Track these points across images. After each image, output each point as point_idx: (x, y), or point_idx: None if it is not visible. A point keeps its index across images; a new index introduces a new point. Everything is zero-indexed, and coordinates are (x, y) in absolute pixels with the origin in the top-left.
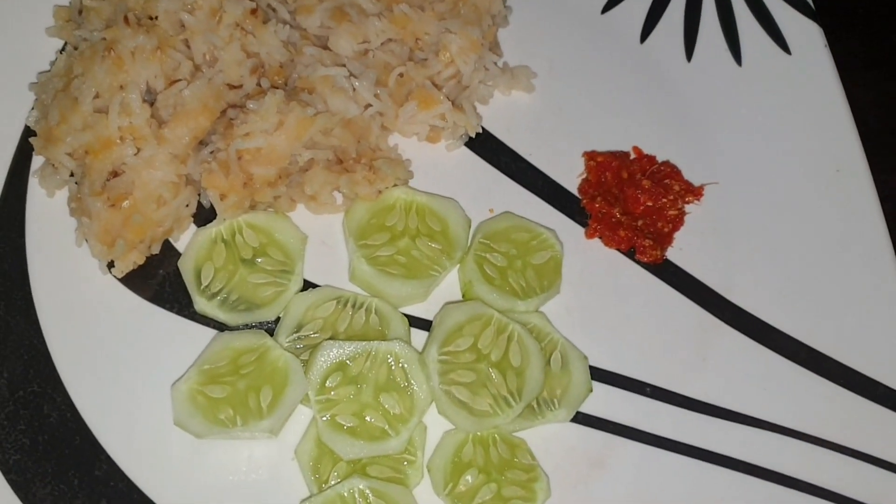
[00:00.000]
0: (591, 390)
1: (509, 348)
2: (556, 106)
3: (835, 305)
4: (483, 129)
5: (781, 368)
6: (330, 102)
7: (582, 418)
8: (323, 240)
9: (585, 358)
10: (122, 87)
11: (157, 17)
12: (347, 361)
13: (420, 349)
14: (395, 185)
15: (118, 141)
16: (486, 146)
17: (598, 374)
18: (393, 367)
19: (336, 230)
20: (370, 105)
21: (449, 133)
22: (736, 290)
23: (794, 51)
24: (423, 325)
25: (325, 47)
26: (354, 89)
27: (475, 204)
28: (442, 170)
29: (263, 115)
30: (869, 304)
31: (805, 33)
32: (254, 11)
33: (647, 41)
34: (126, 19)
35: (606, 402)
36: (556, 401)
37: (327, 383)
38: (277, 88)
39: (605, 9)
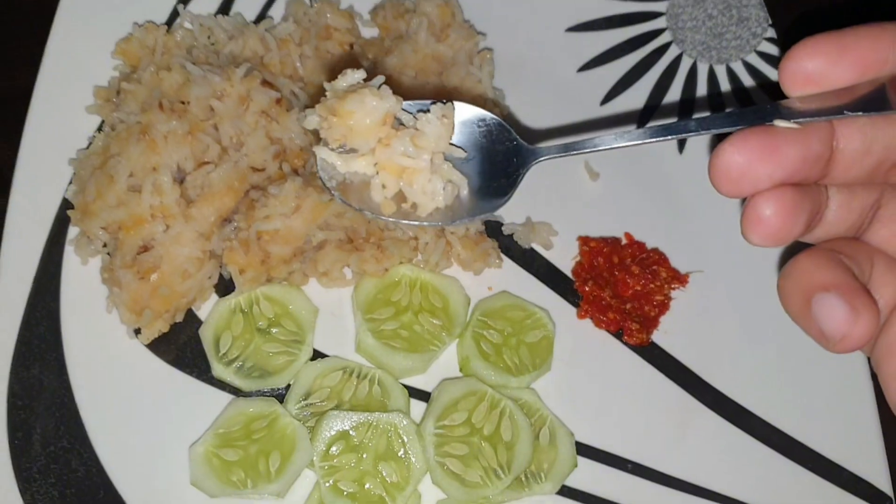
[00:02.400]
0: (577, 465)
1: (501, 423)
2: (554, 191)
3: (808, 393)
4: None
5: (755, 450)
6: None
7: (567, 491)
8: (332, 311)
9: (572, 434)
10: (154, 168)
11: (188, 103)
12: (350, 431)
13: (418, 419)
14: (402, 263)
15: (149, 218)
16: (488, 226)
17: (584, 450)
18: (392, 438)
19: (345, 302)
20: None
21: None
22: (716, 374)
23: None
24: (422, 395)
25: None
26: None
27: (475, 282)
28: None
29: (283, 200)
30: (839, 395)
31: None
32: (279, 100)
33: None
34: (161, 105)
35: (591, 476)
36: (542, 474)
37: (331, 451)
38: (297, 172)
39: (605, 100)
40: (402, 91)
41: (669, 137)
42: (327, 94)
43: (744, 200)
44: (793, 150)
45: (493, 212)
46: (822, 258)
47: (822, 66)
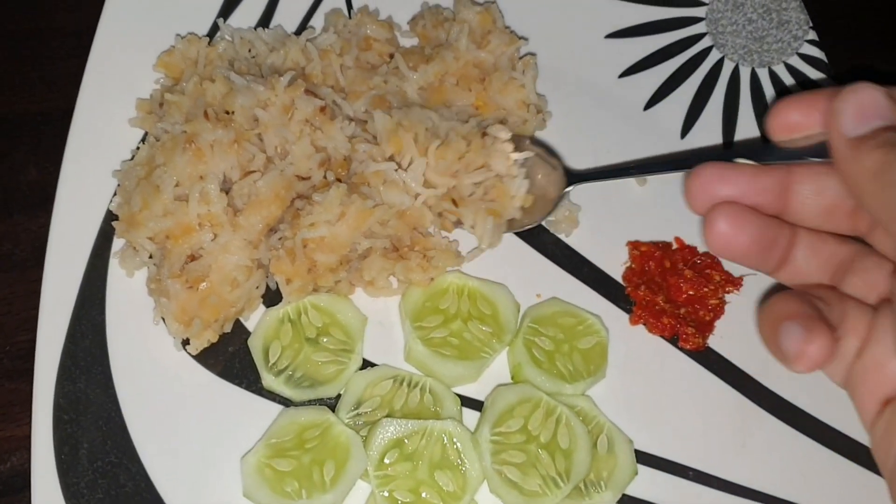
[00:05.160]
0: (637, 473)
1: (558, 430)
2: (601, 196)
3: None
4: None
5: (819, 454)
6: (384, 195)
7: (627, 500)
8: (380, 321)
9: (631, 442)
10: (201, 177)
11: (233, 113)
12: (404, 439)
13: (471, 428)
14: (448, 271)
15: (197, 227)
16: (534, 233)
17: (643, 458)
18: (447, 446)
19: (392, 312)
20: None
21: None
22: (775, 378)
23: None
24: (474, 404)
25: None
26: (405, 182)
27: (523, 289)
28: (492, 256)
29: (327, 207)
30: None
31: None
32: (323, 109)
33: (687, 137)
34: (206, 114)
35: (651, 484)
36: (602, 483)
37: (385, 459)
38: (341, 180)
39: (647, 106)
40: (445, 98)
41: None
42: None
43: None
44: (744, 178)
45: (533, 225)
46: (792, 296)
47: (797, 119)
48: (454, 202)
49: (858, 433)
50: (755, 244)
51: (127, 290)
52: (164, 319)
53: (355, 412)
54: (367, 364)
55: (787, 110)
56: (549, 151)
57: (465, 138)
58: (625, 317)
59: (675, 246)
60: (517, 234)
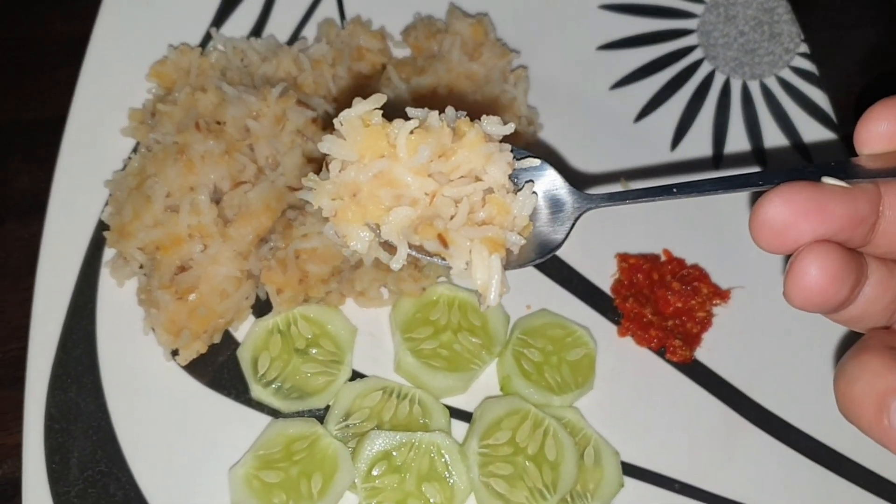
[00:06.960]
0: (623, 485)
1: (545, 442)
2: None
3: None
4: None
5: (803, 467)
6: None
7: None
8: (371, 332)
9: (617, 454)
10: (192, 188)
11: (225, 123)
12: (392, 451)
13: (459, 439)
14: (438, 282)
15: (187, 238)
16: None
17: (630, 470)
18: (435, 458)
19: (382, 322)
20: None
21: None
22: (761, 391)
23: (816, 162)
24: (463, 415)
25: None
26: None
27: (514, 300)
28: None
29: (321, 218)
30: None
31: (828, 145)
32: (314, 120)
33: (678, 149)
34: (197, 125)
35: (637, 497)
36: (588, 495)
37: (373, 472)
38: None
39: (638, 118)
40: (438, 105)
41: (727, 190)
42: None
43: (787, 260)
44: (840, 208)
45: (543, 259)
46: (888, 358)
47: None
48: (440, 237)
49: (843, 446)
50: (849, 295)
51: (118, 299)
52: (153, 330)
53: (344, 424)
54: (356, 375)
55: (883, 117)
56: (552, 174)
57: (450, 126)
58: (613, 328)
59: (663, 258)
60: None
